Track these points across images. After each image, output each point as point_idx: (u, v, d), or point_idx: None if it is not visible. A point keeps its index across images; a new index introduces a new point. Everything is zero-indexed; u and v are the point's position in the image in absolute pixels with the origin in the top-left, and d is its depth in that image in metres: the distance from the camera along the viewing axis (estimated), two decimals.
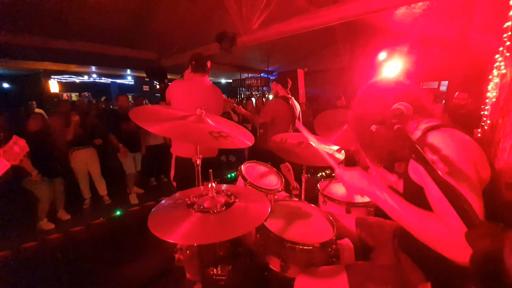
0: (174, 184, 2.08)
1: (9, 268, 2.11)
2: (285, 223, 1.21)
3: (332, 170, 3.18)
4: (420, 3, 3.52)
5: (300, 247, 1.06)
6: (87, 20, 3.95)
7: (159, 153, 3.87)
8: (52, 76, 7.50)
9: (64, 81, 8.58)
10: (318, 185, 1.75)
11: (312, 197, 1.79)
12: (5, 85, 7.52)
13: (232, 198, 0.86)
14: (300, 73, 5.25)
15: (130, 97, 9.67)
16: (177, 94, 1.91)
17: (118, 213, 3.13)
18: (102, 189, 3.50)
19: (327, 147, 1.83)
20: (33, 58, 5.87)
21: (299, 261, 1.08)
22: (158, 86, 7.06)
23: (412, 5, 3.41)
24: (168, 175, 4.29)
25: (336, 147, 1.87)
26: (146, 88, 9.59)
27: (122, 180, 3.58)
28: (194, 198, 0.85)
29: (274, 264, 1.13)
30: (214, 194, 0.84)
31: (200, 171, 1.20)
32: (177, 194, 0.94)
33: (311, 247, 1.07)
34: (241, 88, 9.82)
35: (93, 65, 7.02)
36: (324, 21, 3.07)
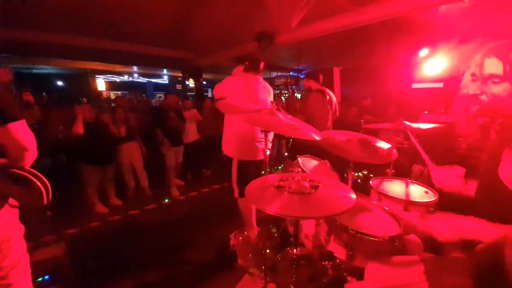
0: (236, 188, 2.12)
1: (78, 242, 2.40)
2: (350, 215, 1.25)
3: (369, 170, 3.10)
4: None
5: (370, 238, 1.09)
6: (134, 23, 4.25)
7: (197, 148, 4.07)
8: (97, 76, 8.21)
9: (106, 80, 9.35)
10: (370, 182, 1.75)
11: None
12: (60, 83, 8.43)
13: (315, 183, 0.92)
14: (336, 71, 5.15)
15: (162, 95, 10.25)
16: (235, 90, 1.99)
17: (166, 200, 3.38)
18: (144, 181, 3.77)
19: (381, 143, 1.82)
20: (82, 58, 6.45)
21: (367, 252, 1.11)
22: (192, 85, 7.38)
23: None
24: (209, 168, 4.53)
25: (388, 145, 1.85)
26: (179, 87, 10.08)
27: (164, 172, 3.84)
28: (281, 182, 0.92)
29: (340, 253, 1.18)
30: (300, 178, 0.90)
31: (267, 162, 1.27)
32: (262, 179, 1.02)
33: (380, 239, 1.10)
34: None
35: (135, 65, 7.55)
36: (367, 19, 3.01)
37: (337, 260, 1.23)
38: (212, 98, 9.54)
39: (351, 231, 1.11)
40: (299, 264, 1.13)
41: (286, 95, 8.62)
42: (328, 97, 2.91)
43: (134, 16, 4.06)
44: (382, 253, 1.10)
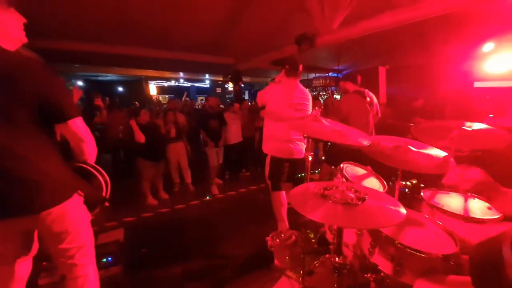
0: (269, 183, 2.25)
1: (134, 230, 2.73)
2: (398, 227, 1.18)
3: (419, 179, 2.84)
4: None
5: (421, 255, 1.02)
6: (183, 34, 4.63)
7: (236, 149, 4.24)
8: (149, 81, 9.23)
9: (157, 85, 10.45)
10: (421, 193, 1.61)
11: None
12: (120, 88, 9.75)
13: (362, 194, 0.90)
14: (382, 71, 4.81)
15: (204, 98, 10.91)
16: (275, 97, 2.07)
17: (207, 197, 3.68)
18: (188, 178, 4.09)
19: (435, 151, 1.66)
20: (139, 66, 7.30)
21: (416, 269, 1.05)
22: (230, 88, 7.71)
23: None
24: (248, 169, 4.71)
25: (443, 153, 1.68)
26: (219, 90, 10.72)
27: (204, 170, 4.13)
28: (325, 191, 0.93)
29: (385, 267, 1.13)
30: (345, 188, 0.90)
31: (309, 164, 1.29)
32: (304, 186, 1.04)
33: (433, 257, 1.02)
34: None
35: (182, 71, 8.28)
36: (421, 14, 2.74)
37: (382, 274, 1.18)
38: (249, 100, 9.76)
39: (399, 245, 1.05)
40: (341, 273, 1.11)
41: (325, 96, 8.34)
42: (368, 98, 2.76)
43: (183, 28, 4.41)
44: (434, 272, 1.02)
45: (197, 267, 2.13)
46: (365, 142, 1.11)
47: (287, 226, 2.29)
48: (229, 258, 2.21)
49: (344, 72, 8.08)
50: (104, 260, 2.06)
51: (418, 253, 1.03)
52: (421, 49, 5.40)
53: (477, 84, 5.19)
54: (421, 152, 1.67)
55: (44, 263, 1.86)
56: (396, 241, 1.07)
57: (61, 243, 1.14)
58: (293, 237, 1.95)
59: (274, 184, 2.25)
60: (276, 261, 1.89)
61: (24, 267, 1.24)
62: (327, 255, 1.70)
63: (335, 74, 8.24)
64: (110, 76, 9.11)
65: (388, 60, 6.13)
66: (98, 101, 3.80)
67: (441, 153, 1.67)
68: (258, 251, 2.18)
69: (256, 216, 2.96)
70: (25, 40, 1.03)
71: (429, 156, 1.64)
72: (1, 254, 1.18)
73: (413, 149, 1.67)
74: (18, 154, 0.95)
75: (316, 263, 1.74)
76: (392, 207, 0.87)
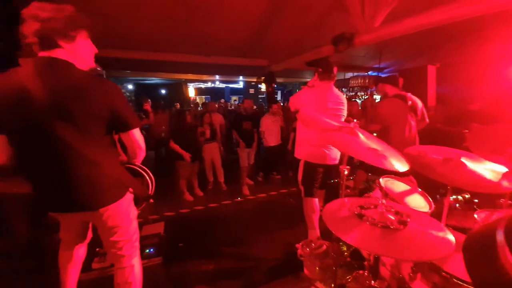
0: (302, 188, 2.23)
1: (172, 224, 2.95)
2: None
3: (474, 195, 2.51)
4: None
5: (469, 286, 0.92)
6: (220, 40, 4.81)
7: (276, 152, 4.28)
8: (188, 84, 9.88)
9: (195, 87, 11.13)
10: (475, 215, 1.43)
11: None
12: (163, 91, 10.66)
13: (404, 217, 0.85)
14: (431, 70, 4.34)
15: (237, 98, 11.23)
16: (308, 102, 2.04)
17: (238, 198, 3.84)
18: (221, 177, 4.26)
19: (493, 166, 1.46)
20: (180, 71, 7.85)
21: None
22: (263, 89, 7.79)
23: None
24: (280, 173, 4.71)
25: (504, 169, 1.47)
26: (252, 91, 10.97)
27: (238, 171, 4.25)
28: (361, 210, 0.90)
29: None
30: (384, 209, 0.86)
31: (345, 179, 1.25)
32: (340, 201, 1.02)
33: None
34: (341, 89, 9.23)
35: (218, 74, 8.68)
36: (481, 9, 2.38)
37: None
38: (281, 101, 9.67)
39: (444, 273, 0.96)
40: None
41: (363, 97, 7.83)
42: (410, 102, 2.52)
43: (220, 35, 4.56)
44: None
45: (227, 266, 2.22)
46: (402, 169, 1.03)
47: (318, 234, 2.24)
48: (257, 261, 2.26)
49: (386, 70, 7.48)
50: (147, 251, 2.28)
51: (465, 284, 0.93)
52: (478, 44, 4.70)
53: None
54: (476, 167, 1.49)
55: (97, 249, 2.14)
56: (442, 269, 0.98)
57: (113, 236, 1.30)
58: (324, 246, 1.91)
59: (307, 190, 2.21)
60: (305, 271, 1.87)
61: (80, 252, 1.48)
62: (360, 271, 1.63)
63: (375, 73, 7.67)
64: (155, 80, 9.99)
65: (438, 57, 5.48)
66: (147, 106, 4.22)
67: (501, 169, 1.47)
68: (286, 257, 2.19)
69: (286, 221, 2.96)
70: (93, 65, 1.21)
71: (486, 172, 1.45)
72: (63, 241, 1.41)
73: (467, 163, 1.50)
74: (88, 159, 1.12)
75: (349, 278, 1.68)
76: (440, 235, 0.80)
